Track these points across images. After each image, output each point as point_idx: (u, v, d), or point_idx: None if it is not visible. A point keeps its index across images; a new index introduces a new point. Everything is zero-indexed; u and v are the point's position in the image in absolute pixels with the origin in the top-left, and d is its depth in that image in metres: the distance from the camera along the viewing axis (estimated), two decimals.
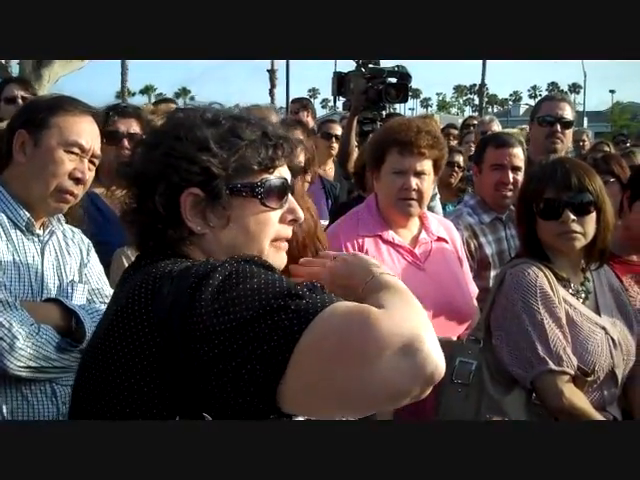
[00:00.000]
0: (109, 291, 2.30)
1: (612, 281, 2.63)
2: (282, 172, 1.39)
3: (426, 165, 2.66)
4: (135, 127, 3.07)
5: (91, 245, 2.36)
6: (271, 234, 1.38)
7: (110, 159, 2.92)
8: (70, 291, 2.17)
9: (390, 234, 2.70)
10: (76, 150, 2.10)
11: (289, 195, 1.41)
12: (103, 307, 2.20)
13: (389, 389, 1.07)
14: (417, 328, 1.10)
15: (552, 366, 2.28)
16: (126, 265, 2.62)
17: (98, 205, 3.04)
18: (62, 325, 2.04)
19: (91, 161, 2.16)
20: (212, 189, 1.31)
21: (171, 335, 1.16)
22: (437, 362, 1.09)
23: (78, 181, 2.11)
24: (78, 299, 2.18)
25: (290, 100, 6.84)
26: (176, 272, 1.22)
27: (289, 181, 1.41)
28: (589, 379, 2.34)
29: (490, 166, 3.33)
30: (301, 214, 1.43)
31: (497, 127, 6.10)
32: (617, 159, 3.93)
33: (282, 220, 1.40)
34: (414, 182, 2.63)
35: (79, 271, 2.25)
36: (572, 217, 2.37)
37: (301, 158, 1.46)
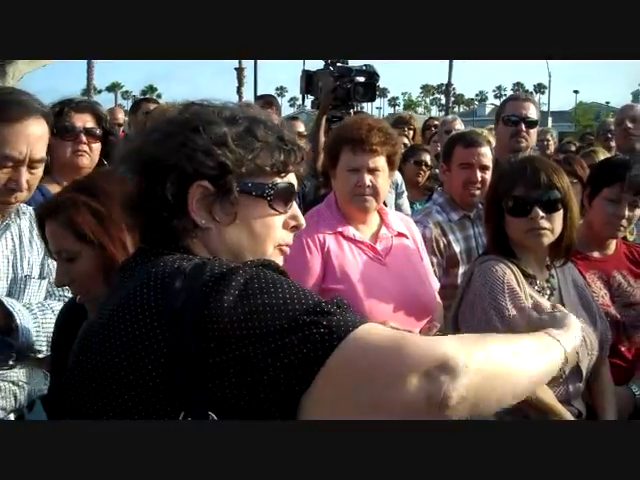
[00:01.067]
0: None
1: (576, 277, 2.68)
2: (290, 178, 1.41)
3: (379, 162, 2.69)
4: (91, 122, 3.02)
5: None
6: (275, 238, 1.38)
7: (66, 154, 2.94)
8: (23, 286, 2.16)
9: (350, 230, 2.74)
10: (9, 163, 2.07)
11: (294, 202, 1.42)
12: (59, 303, 2.19)
13: (405, 410, 1.08)
14: (447, 355, 1.07)
15: None
16: None
17: None
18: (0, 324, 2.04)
19: (31, 166, 2.11)
20: (223, 184, 1.31)
21: (182, 332, 1.14)
22: (458, 390, 1.06)
23: (14, 190, 2.09)
24: (32, 294, 2.17)
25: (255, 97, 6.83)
26: (188, 268, 1.21)
27: (295, 187, 1.42)
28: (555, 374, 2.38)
29: (459, 165, 3.37)
30: (303, 221, 1.44)
31: (460, 126, 6.15)
32: (579, 161, 4.04)
33: (285, 225, 1.40)
34: (368, 179, 2.67)
35: (41, 263, 2.23)
36: (541, 214, 2.42)
37: (303, 168, 1.48)
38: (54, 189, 2.93)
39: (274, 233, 1.38)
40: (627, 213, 2.90)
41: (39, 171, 2.17)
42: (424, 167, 5.60)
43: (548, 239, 2.47)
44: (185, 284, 1.18)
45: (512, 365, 1.19)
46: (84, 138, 2.96)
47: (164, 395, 1.16)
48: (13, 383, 2.15)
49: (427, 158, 5.62)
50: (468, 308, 2.45)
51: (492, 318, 2.36)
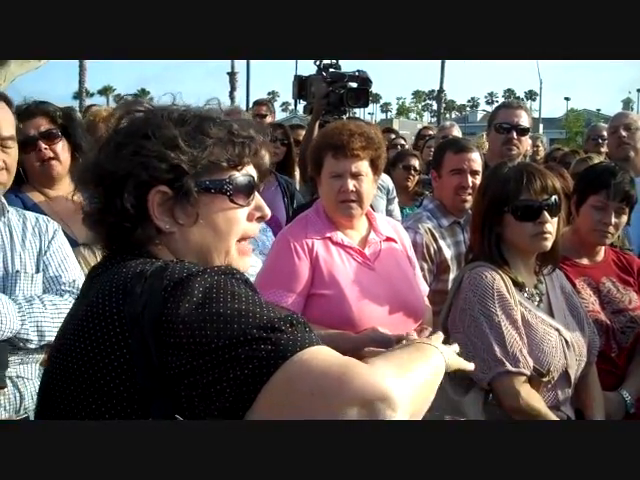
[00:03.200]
0: (68, 278, 2.28)
1: (564, 284, 2.70)
2: (249, 170, 1.40)
3: (362, 166, 2.69)
4: (45, 124, 2.88)
5: (58, 231, 2.33)
6: (239, 232, 1.38)
7: (35, 167, 2.86)
8: (14, 281, 2.16)
9: (339, 236, 2.73)
10: None
11: (256, 193, 1.41)
12: (53, 296, 2.20)
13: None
14: (390, 390, 1.10)
15: (509, 367, 2.33)
16: (83, 265, 2.63)
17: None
18: None
19: (3, 144, 2.11)
20: (181, 186, 1.31)
21: (142, 336, 1.15)
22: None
23: None
24: (25, 289, 2.17)
25: (252, 102, 6.86)
26: (149, 272, 1.21)
27: (255, 179, 1.41)
28: (544, 380, 2.40)
29: (450, 171, 3.38)
30: (268, 211, 1.44)
31: (457, 132, 6.17)
32: (558, 170, 4.06)
33: (249, 218, 1.40)
34: (351, 184, 2.67)
35: (37, 260, 2.23)
36: (549, 218, 2.45)
37: (267, 158, 1.47)
38: (36, 197, 2.91)
39: (237, 227, 1.38)
40: (614, 220, 2.92)
41: (13, 151, 2.15)
42: (413, 172, 5.62)
43: (550, 243, 2.50)
44: (145, 288, 1.18)
45: (428, 382, 1.27)
46: (42, 144, 2.86)
47: (130, 402, 1.16)
48: (11, 380, 2.14)
49: (416, 163, 5.63)
50: (458, 314, 2.46)
51: (482, 324, 2.37)
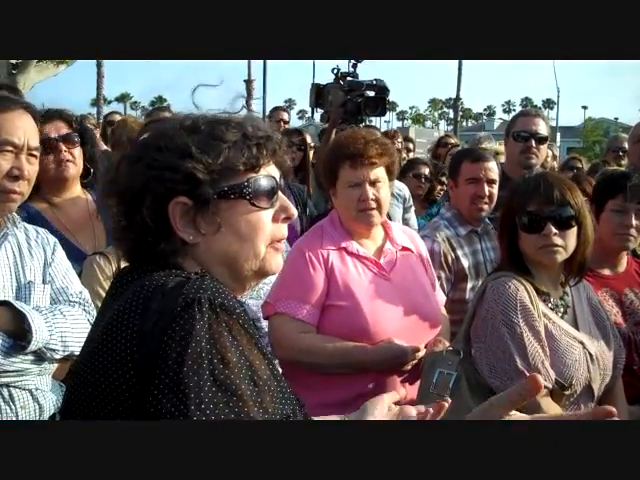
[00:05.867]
0: (75, 289, 2.29)
1: (591, 296, 2.65)
2: (269, 171, 1.36)
3: (379, 173, 2.69)
4: (64, 128, 2.94)
5: (57, 243, 2.34)
6: (266, 235, 1.34)
7: (50, 169, 2.90)
8: (28, 292, 2.16)
9: (354, 246, 2.72)
10: (9, 148, 2.08)
11: (279, 193, 1.37)
12: (67, 307, 2.21)
13: None
14: None
15: None
16: (99, 275, 2.63)
17: (43, 226, 2.94)
18: (11, 328, 2.02)
19: (30, 154, 2.13)
20: (199, 195, 1.28)
21: (149, 353, 1.14)
22: None
23: (18, 178, 2.10)
24: (38, 300, 2.17)
25: (269, 110, 6.88)
26: (168, 287, 1.20)
27: (278, 179, 1.37)
28: (566, 393, 2.36)
29: (466, 180, 3.38)
30: (294, 211, 1.39)
31: (496, 145, 6.09)
32: (587, 179, 4.01)
33: (275, 219, 1.36)
34: (371, 192, 2.66)
35: (43, 271, 2.23)
36: (554, 230, 2.40)
37: (287, 157, 1.44)
38: (41, 207, 2.93)
39: (263, 230, 1.34)
40: (635, 222, 2.88)
41: (36, 162, 2.17)
42: (423, 180, 5.62)
43: (561, 256, 2.44)
44: (160, 305, 1.17)
45: None
46: (63, 146, 2.91)
47: (139, 417, 1.15)
48: (31, 393, 2.13)
49: (426, 171, 5.64)
50: (480, 324, 2.42)
51: (504, 335, 2.34)
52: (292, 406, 1.24)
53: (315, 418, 1.24)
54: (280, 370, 2.62)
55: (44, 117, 2.83)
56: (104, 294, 2.57)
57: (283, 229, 1.38)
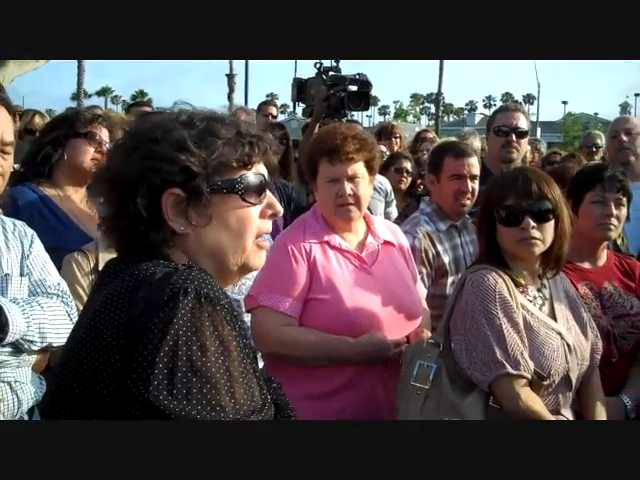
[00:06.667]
0: (53, 281, 2.29)
1: (568, 288, 2.68)
2: (259, 169, 1.42)
3: (358, 169, 2.69)
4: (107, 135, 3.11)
5: (35, 236, 2.33)
6: (253, 230, 1.40)
7: (85, 161, 3.02)
8: (5, 285, 2.16)
9: (337, 239, 2.73)
10: None
11: (267, 190, 1.44)
12: (45, 298, 2.21)
13: None
14: None
15: (510, 370, 2.32)
16: (77, 271, 2.63)
17: (52, 209, 3.00)
18: None
19: (3, 150, 2.12)
20: (193, 188, 1.33)
21: (133, 340, 1.18)
22: None
23: None
24: (15, 292, 2.17)
25: (256, 105, 6.84)
26: (156, 278, 1.23)
27: (266, 177, 1.43)
28: (545, 383, 2.39)
29: (450, 176, 3.35)
30: (280, 208, 1.46)
31: (478, 143, 6.11)
32: (570, 170, 4.03)
33: (262, 215, 1.42)
34: (348, 187, 2.67)
35: (20, 264, 2.23)
36: (532, 224, 2.43)
37: (275, 157, 1.50)
38: (51, 193, 3.01)
39: (251, 225, 1.40)
40: (614, 211, 2.91)
41: (10, 158, 2.17)
42: (405, 174, 5.62)
43: (539, 249, 2.47)
44: (147, 294, 1.21)
45: None
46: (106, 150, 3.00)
47: (124, 403, 1.17)
48: (10, 385, 2.12)
49: (408, 165, 5.64)
50: (459, 317, 2.44)
51: (483, 326, 2.36)
52: (262, 401, 1.27)
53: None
54: (261, 364, 2.64)
55: (105, 122, 3.11)
56: (81, 291, 2.59)
57: (268, 225, 1.45)
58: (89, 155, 3.02)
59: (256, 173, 1.40)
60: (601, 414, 2.59)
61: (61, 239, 2.80)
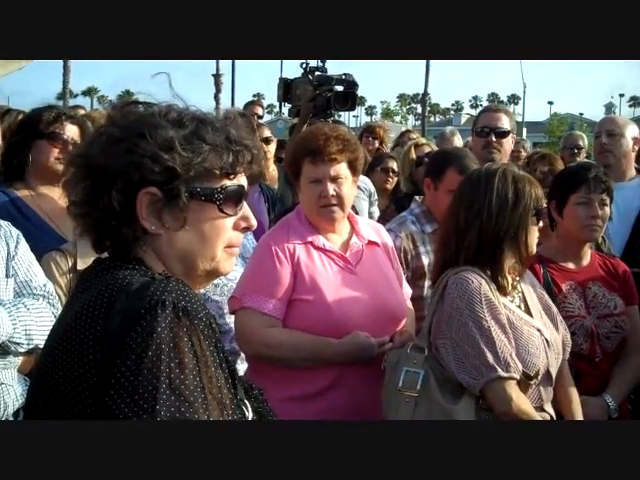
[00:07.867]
0: (39, 282, 2.28)
1: (533, 281, 2.69)
2: (241, 180, 1.39)
3: (341, 169, 2.68)
4: (78, 134, 3.02)
5: (20, 236, 2.32)
6: (224, 240, 1.37)
7: (49, 159, 2.95)
8: None
9: (320, 240, 2.72)
10: None
11: (244, 202, 1.40)
12: (31, 300, 2.20)
13: None
14: None
15: (501, 373, 2.31)
16: (55, 270, 2.61)
17: (22, 209, 2.96)
18: None
19: None
20: (171, 190, 1.29)
21: (110, 354, 1.15)
22: None
23: None
24: (1, 294, 2.16)
25: (242, 105, 6.84)
26: (133, 288, 1.21)
27: (245, 188, 1.40)
28: (532, 382, 2.39)
29: (449, 190, 3.13)
30: (254, 222, 1.42)
31: (458, 141, 6.10)
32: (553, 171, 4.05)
33: (235, 227, 1.39)
34: (331, 188, 2.66)
35: (6, 265, 2.22)
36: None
37: (259, 166, 1.46)
38: (24, 194, 2.95)
39: (224, 236, 1.37)
40: (600, 212, 2.93)
41: None
42: (391, 174, 5.62)
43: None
44: (124, 306, 1.19)
45: None
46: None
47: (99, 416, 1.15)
48: None
49: (394, 165, 5.63)
50: (445, 319, 2.43)
51: (471, 330, 2.35)
52: (237, 416, 1.27)
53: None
54: (241, 371, 2.62)
55: (70, 118, 3.03)
56: (59, 290, 2.57)
57: (240, 237, 1.42)
58: (53, 155, 2.95)
59: (237, 184, 1.37)
60: (577, 407, 2.60)
61: (32, 240, 2.78)
